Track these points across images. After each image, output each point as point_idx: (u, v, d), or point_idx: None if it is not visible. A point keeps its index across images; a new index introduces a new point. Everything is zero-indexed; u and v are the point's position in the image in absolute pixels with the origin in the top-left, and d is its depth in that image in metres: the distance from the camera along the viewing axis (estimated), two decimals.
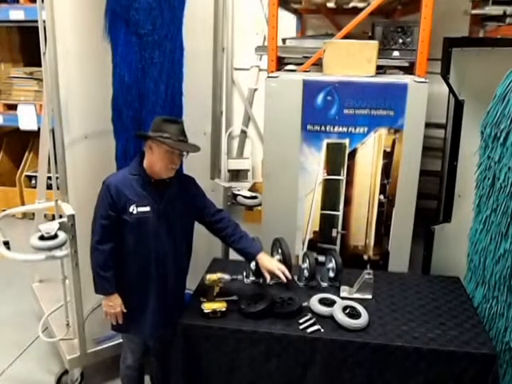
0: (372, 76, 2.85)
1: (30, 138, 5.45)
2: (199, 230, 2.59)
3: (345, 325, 2.25)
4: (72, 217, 2.55)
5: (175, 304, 2.45)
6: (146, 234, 2.31)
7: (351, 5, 3.22)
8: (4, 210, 3.29)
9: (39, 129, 3.53)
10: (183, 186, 2.42)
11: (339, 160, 2.89)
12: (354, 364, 2.20)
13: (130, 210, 2.27)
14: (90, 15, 2.76)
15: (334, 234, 3.00)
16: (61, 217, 2.66)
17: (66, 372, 2.90)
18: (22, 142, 5.53)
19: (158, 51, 2.92)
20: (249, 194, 3.54)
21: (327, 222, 3.00)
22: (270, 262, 2.46)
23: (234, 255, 3.01)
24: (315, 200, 2.97)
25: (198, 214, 2.47)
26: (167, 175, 2.30)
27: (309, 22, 4.62)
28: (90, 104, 2.85)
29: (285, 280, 2.44)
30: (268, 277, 2.46)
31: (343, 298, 2.47)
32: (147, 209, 2.29)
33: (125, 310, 2.35)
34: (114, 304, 2.33)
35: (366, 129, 2.82)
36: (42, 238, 2.58)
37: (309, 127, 2.86)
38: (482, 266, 2.48)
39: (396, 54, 3.24)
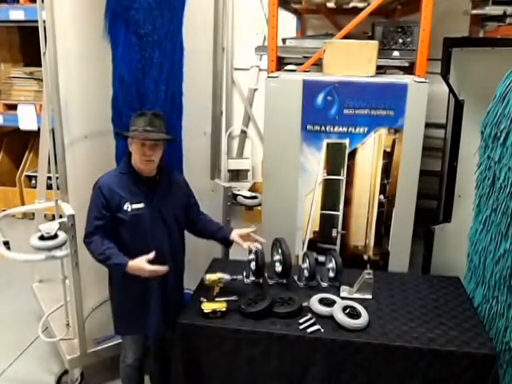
0: (372, 76, 2.85)
1: (30, 138, 5.45)
2: None
3: (345, 325, 2.25)
4: (72, 217, 2.55)
5: (176, 302, 2.46)
6: (143, 231, 2.32)
7: (351, 5, 3.23)
8: (4, 210, 3.29)
9: (39, 129, 3.53)
10: (174, 184, 2.46)
11: (339, 160, 2.89)
12: (354, 364, 2.20)
13: (125, 207, 2.29)
14: (90, 15, 2.76)
15: (334, 233, 3.00)
16: (61, 217, 2.66)
17: (65, 372, 2.90)
18: (22, 142, 5.52)
19: (158, 51, 2.91)
20: (249, 194, 3.55)
21: (327, 222, 3.00)
22: (243, 230, 2.52)
23: (233, 255, 3.02)
24: (315, 200, 2.97)
25: (186, 212, 2.51)
26: (146, 169, 2.32)
27: (309, 21, 4.64)
28: (90, 104, 2.84)
29: (260, 247, 2.48)
30: (244, 244, 2.47)
31: (343, 298, 2.47)
32: (141, 205, 2.31)
33: (150, 267, 2.21)
34: (139, 267, 2.21)
35: (366, 129, 2.82)
36: (42, 237, 2.58)
37: (309, 127, 2.86)
38: (482, 266, 2.48)
39: (396, 53, 3.25)
